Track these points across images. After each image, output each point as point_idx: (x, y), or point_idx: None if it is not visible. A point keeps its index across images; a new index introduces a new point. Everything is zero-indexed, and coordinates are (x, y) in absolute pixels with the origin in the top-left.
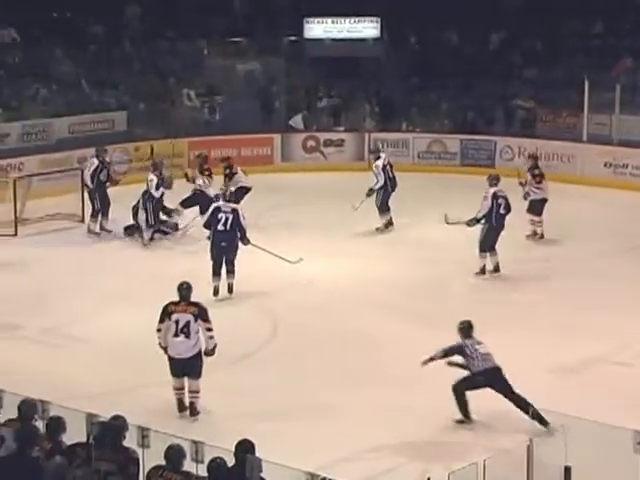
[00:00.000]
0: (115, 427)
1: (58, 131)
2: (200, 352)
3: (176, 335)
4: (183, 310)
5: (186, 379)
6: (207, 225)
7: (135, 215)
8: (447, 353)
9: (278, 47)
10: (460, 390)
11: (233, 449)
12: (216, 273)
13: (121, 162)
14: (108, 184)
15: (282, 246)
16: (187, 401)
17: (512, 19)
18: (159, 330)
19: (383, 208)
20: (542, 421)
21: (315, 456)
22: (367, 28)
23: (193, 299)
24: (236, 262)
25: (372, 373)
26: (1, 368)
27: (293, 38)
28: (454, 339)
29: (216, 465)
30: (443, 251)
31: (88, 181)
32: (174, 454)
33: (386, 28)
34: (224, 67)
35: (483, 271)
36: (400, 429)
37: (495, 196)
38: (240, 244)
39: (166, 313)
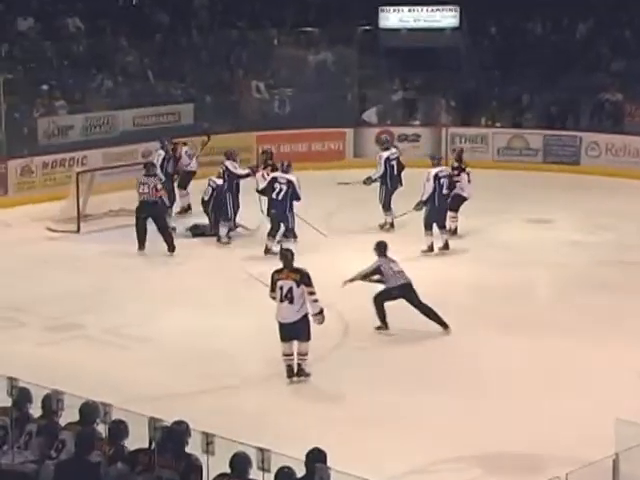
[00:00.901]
0: (178, 432)
1: (122, 124)
2: (306, 316)
3: (281, 301)
4: (286, 277)
5: (295, 343)
6: (263, 192)
7: (208, 210)
8: (367, 275)
9: (351, 37)
10: (379, 301)
11: (303, 458)
12: (270, 234)
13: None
14: (176, 176)
15: (354, 245)
16: (295, 366)
17: (600, 7)
18: (273, 298)
19: (386, 207)
20: (443, 325)
21: (388, 466)
22: (445, 17)
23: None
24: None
25: (452, 380)
26: (63, 368)
27: (367, 28)
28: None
29: (284, 474)
30: (525, 253)
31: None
32: (239, 462)
33: (465, 17)
34: (295, 58)
35: (431, 249)
36: (479, 440)
37: (437, 177)
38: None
39: (273, 281)
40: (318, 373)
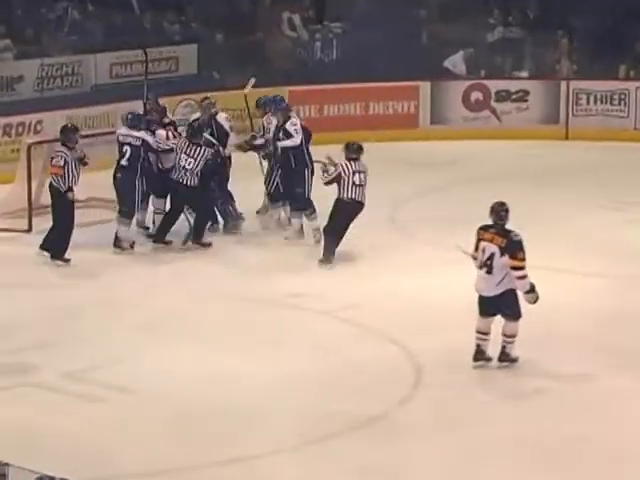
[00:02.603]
0: None
1: (95, 74)
2: (511, 291)
3: (480, 267)
4: (490, 239)
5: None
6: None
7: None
8: (333, 179)
9: None
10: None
11: None
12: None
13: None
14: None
15: (429, 249)
16: (488, 348)
17: None
18: (474, 259)
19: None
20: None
21: None
22: None
23: None
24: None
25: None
26: (7, 431)
27: None
28: None
29: None
30: None
31: None
32: None
33: None
34: None
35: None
36: None
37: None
38: None
39: (477, 238)
40: (375, 436)
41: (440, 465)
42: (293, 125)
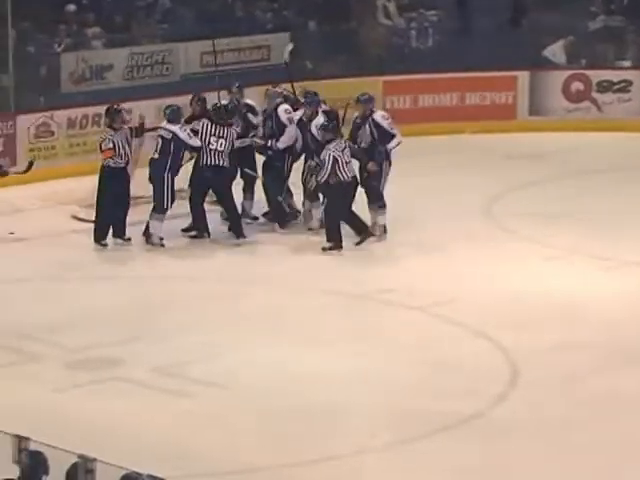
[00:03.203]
0: None
1: (185, 63)
2: None
3: None
4: None
5: None
6: None
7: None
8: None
9: None
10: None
11: None
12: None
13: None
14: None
15: (526, 244)
16: None
17: None
18: None
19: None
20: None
21: None
22: None
23: None
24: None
25: None
26: (93, 425)
27: None
28: None
29: None
30: None
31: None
32: None
33: None
34: None
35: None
36: None
37: None
38: None
39: None
40: (473, 435)
41: (538, 466)
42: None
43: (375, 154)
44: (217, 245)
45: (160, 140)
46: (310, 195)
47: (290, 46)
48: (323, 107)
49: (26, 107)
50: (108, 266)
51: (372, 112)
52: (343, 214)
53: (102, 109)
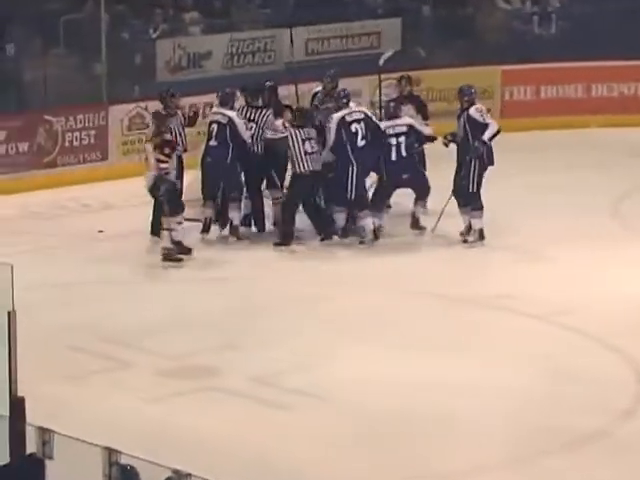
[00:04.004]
0: None
1: (289, 50)
2: None
3: None
4: None
5: None
6: None
7: None
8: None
9: None
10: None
11: None
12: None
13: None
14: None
15: None
16: None
17: None
18: None
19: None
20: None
21: None
22: None
23: None
24: None
25: None
26: (187, 438)
27: None
28: None
29: None
30: None
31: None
32: None
33: None
34: None
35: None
36: None
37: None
38: None
39: None
40: (600, 453)
41: None
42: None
43: (468, 150)
44: (305, 246)
45: (216, 126)
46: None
47: (390, 52)
48: None
49: (119, 97)
50: (202, 267)
51: (470, 105)
52: (293, 208)
53: (201, 100)
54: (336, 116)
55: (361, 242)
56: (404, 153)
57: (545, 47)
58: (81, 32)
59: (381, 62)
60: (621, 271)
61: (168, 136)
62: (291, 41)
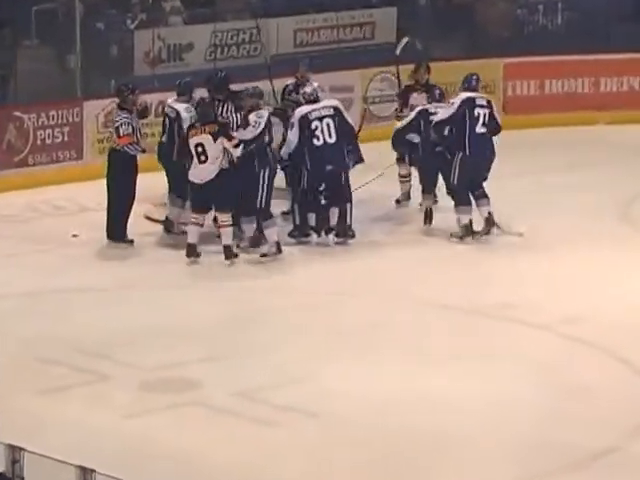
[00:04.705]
0: None
1: (276, 41)
2: None
3: None
4: None
5: None
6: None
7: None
8: None
9: None
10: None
11: None
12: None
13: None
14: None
15: None
16: None
17: None
18: None
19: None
20: None
21: None
22: None
23: None
24: None
25: None
26: (169, 457)
27: None
28: None
29: None
30: None
31: None
32: None
33: None
34: None
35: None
36: None
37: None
38: None
39: None
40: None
41: None
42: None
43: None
44: (304, 251)
45: (167, 120)
46: None
47: (405, 40)
48: None
49: (94, 92)
50: (186, 275)
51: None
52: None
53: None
54: (299, 111)
55: (263, 255)
56: None
57: (550, 39)
58: (54, 22)
59: (398, 52)
60: (634, 278)
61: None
62: (258, 31)
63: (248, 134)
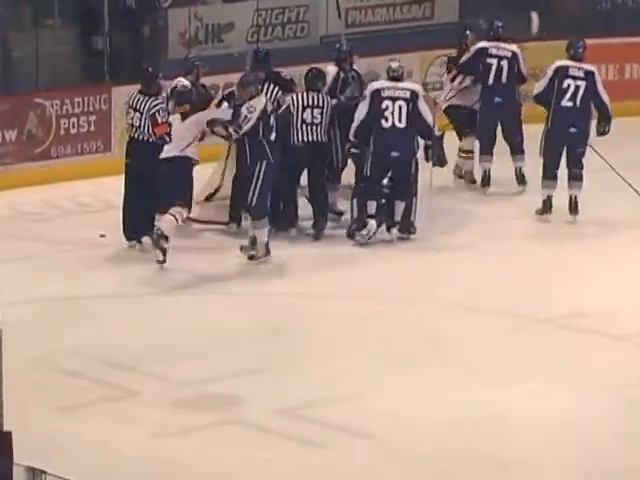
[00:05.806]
0: None
1: (325, 22)
2: None
3: None
4: None
5: None
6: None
7: None
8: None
9: None
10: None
11: None
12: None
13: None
14: None
15: None
16: None
17: None
18: None
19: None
20: None
21: None
22: None
23: None
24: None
25: None
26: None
27: None
28: None
29: None
30: None
31: None
32: None
33: None
34: None
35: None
36: None
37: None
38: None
39: None
40: None
41: None
42: None
43: None
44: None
45: None
46: None
47: (534, 16)
48: None
49: (124, 77)
50: (223, 280)
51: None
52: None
53: (220, 79)
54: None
55: (250, 257)
56: None
57: (631, 18)
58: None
59: (534, 30)
60: None
61: None
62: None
63: (226, 114)
